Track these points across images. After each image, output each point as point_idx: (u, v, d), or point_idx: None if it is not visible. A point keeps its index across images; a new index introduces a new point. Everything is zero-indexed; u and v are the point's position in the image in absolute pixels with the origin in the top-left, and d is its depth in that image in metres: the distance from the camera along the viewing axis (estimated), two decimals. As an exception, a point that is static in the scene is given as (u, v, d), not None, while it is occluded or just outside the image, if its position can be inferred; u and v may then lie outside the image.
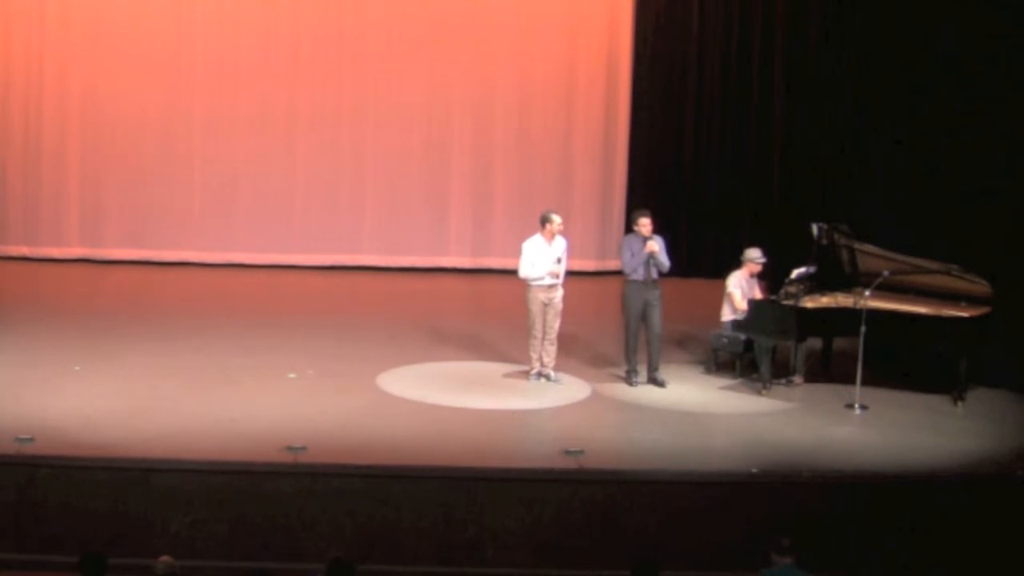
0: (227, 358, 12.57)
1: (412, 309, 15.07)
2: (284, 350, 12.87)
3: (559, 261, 11.93)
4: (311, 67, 16.95)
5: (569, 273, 12.38)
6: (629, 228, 12.23)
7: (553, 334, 11.99)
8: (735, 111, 16.96)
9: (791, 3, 16.74)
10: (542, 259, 11.90)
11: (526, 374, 12.14)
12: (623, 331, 12.18)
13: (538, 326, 11.93)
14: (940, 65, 15.45)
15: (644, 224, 11.99)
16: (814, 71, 16.60)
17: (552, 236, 11.96)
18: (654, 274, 11.94)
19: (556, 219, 11.99)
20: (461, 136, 17.11)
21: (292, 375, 12.05)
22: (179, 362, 12.32)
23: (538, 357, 12.02)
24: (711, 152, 17.05)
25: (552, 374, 12.06)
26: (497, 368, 12.46)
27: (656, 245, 11.88)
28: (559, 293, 12.01)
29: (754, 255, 12.54)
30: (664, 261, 11.94)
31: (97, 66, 16.81)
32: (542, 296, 11.91)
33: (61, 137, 16.94)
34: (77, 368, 11.98)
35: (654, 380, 12.03)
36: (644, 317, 11.99)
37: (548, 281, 11.92)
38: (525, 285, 11.97)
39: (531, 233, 12.11)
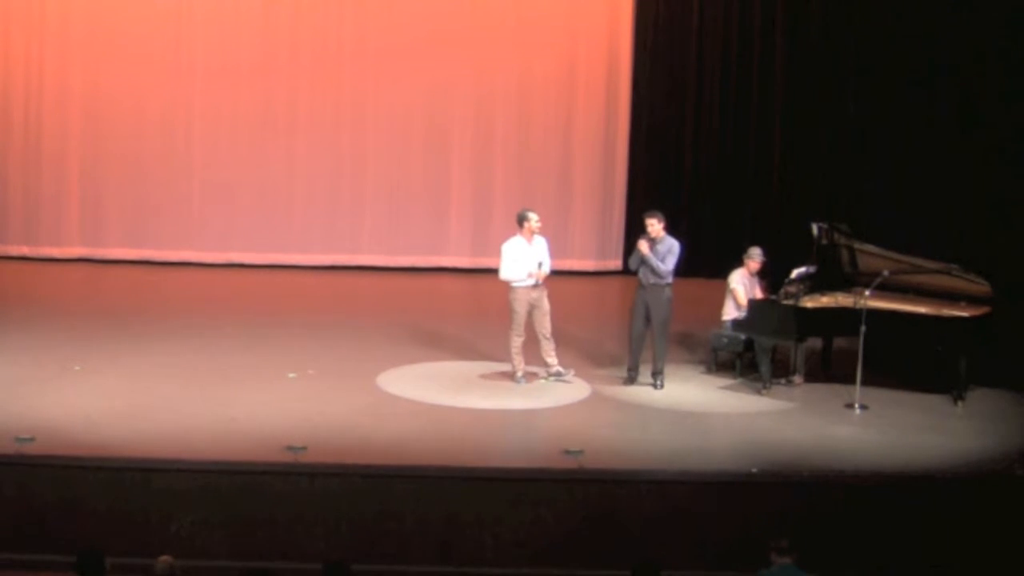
0: (227, 358, 12.57)
1: (412, 309, 15.06)
2: (284, 350, 12.86)
3: (540, 265, 11.87)
4: (311, 67, 16.96)
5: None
6: (640, 229, 12.18)
7: (547, 332, 11.94)
8: (735, 110, 16.96)
9: (791, 1, 16.74)
10: (524, 259, 11.84)
11: (510, 375, 12.07)
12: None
13: (522, 327, 11.86)
14: (940, 63, 15.48)
15: (647, 224, 11.95)
16: (814, 69, 16.59)
17: (531, 235, 11.89)
18: (650, 276, 11.84)
19: (533, 217, 11.93)
20: (461, 136, 17.11)
21: (292, 375, 12.04)
22: (179, 362, 12.32)
23: (521, 359, 11.94)
24: (711, 151, 17.05)
25: (561, 370, 12.01)
26: (497, 368, 12.43)
27: (645, 245, 11.83)
28: (544, 292, 11.93)
29: (754, 252, 12.55)
30: (656, 263, 11.75)
31: (97, 66, 16.83)
32: (527, 296, 11.85)
33: (61, 137, 16.96)
34: (77, 368, 11.97)
35: (652, 382, 11.99)
36: (648, 318, 11.97)
37: (531, 281, 11.87)
38: (509, 286, 11.90)
39: (530, 233, 12.11)
